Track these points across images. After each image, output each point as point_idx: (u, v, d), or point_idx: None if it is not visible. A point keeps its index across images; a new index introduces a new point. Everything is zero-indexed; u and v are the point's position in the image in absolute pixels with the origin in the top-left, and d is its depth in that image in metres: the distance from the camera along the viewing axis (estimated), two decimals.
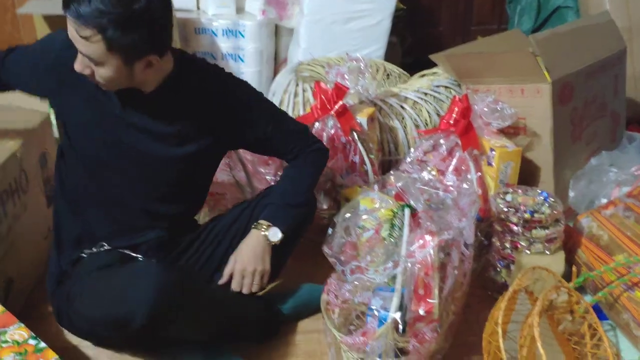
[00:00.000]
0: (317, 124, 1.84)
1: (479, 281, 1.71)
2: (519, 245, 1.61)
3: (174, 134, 1.39)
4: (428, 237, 1.27)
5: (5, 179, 1.52)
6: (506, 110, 1.83)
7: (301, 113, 2.04)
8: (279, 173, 1.90)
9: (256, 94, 1.50)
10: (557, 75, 1.81)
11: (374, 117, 1.95)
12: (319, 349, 1.52)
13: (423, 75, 2.31)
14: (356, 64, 1.90)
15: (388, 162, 2.06)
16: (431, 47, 2.26)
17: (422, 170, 1.82)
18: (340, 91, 1.81)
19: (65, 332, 1.50)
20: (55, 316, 1.46)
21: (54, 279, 1.46)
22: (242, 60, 2.61)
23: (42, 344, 1.25)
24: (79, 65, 1.23)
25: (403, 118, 2.09)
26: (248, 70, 2.62)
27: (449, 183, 1.78)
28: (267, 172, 1.91)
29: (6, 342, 1.24)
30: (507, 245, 1.63)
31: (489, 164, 1.80)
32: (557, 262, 1.59)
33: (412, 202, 1.35)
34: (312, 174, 1.57)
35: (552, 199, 1.64)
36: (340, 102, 1.81)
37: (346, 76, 1.87)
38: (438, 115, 2.10)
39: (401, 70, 2.45)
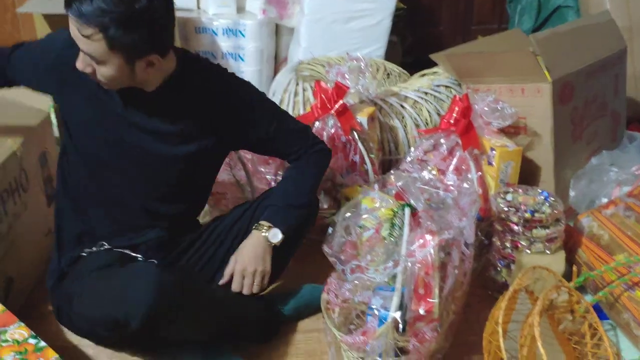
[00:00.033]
0: (317, 123, 1.84)
1: (479, 281, 1.71)
2: (519, 245, 1.61)
3: (176, 133, 1.39)
4: (428, 237, 1.27)
5: (5, 178, 1.52)
6: (506, 109, 1.83)
7: (301, 112, 2.04)
8: (279, 172, 1.90)
9: (259, 94, 1.50)
10: (557, 74, 1.81)
11: (374, 117, 1.95)
12: (319, 348, 1.52)
13: (423, 75, 2.31)
14: (356, 63, 1.90)
15: (388, 162, 2.06)
16: (431, 47, 2.26)
17: (422, 169, 1.82)
18: (340, 90, 1.81)
19: (66, 331, 1.50)
20: (55, 314, 1.47)
21: (54, 277, 1.46)
22: (243, 60, 2.61)
23: (42, 343, 1.25)
24: (81, 64, 1.24)
25: (403, 117, 2.09)
26: (248, 70, 2.62)
27: (449, 182, 1.78)
28: (267, 172, 1.91)
29: (6, 341, 1.24)
30: (508, 244, 1.63)
31: (490, 164, 1.80)
32: (557, 261, 1.59)
33: (412, 202, 1.34)
34: (314, 175, 1.57)
35: (553, 199, 1.64)
36: (341, 102, 1.81)
37: (346, 75, 1.87)
38: (438, 114, 2.10)
39: (401, 69, 2.45)
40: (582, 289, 1.64)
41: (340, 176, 1.87)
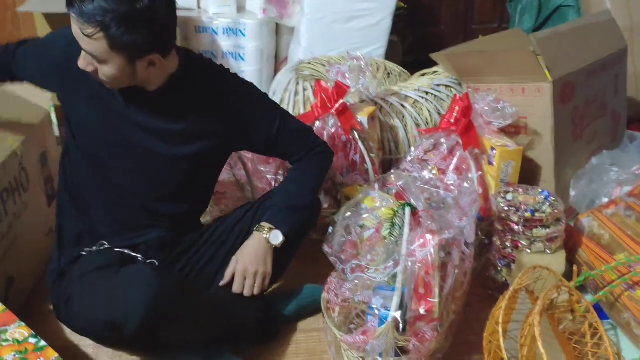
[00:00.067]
0: (317, 123, 1.84)
1: (479, 280, 1.71)
2: (519, 245, 1.61)
3: (178, 133, 1.39)
4: (429, 236, 1.27)
5: (5, 177, 1.52)
6: (507, 109, 1.82)
7: (302, 112, 2.04)
8: (279, 172, 1.90)
9: (261, 96, 1.50)
10: (558, 74, 1.81)
11: (374, 116, 1.95)
12: (319, 347, 1.52)
13: (424, 74, 2.31)
14: (357, 63, 1.90)
15: (389, 161, 2.06)
16: (432, 46, 2.26)
17: (422, 169, 1.82)
18: (340, 90, 1.81)
19: (66, 330, 1.50)
20: (55, 312, 1.47)
21: (54, 276, 1.46)
22: (243, 59, 2.61)
23: (43, 343, 1.25)
24: (83, 62, 1.24)
25: (404, 117, 2.09)
26: (249, 69, 2.62)
27: (449, 182, 1.78)
28: (267, 171, 1.91)
29: (7, 340, 1.24)
30: (508, 244, 1.63)
31: (490, 163, 1.80)
32: (558, 261, 1.59)
33: (412, 201, 1.34)
34: (316, 177, 1.57)
35: (553, 198, 1.64)
36: (341, 101, 1.81)
37: (347, 75, 1.87)
38: (439, 114, 2.10)
39: (402, 69, 2.45)
40: (582, 288, 1.64)
41: (340, 175, 1.87)
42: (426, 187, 1.45)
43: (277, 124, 1.47)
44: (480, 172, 1.79)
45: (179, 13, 1.29)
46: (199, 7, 2.66)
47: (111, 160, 1.41)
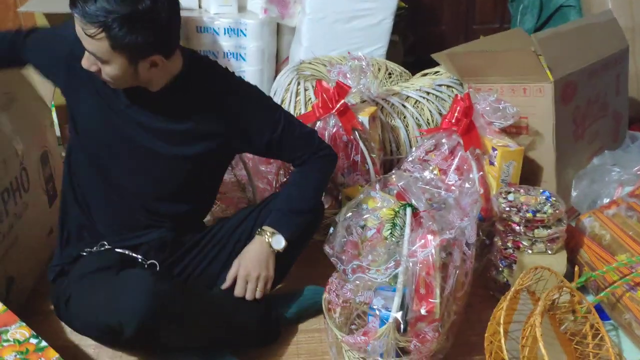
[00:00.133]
0: (318, 123, 1.84)
1: (480, 281, 1.71)
2: (520, 245, 1.60)
3: (180, 134, 1.39)
4: (430, 237, 1.27)
5: (6, 177, 1.52)
6: (508, 109, 1.82)
7: (303, 112, 2.04)
8: (280, 172, 1.90)
9: (265, 99, 1.50)
10: (559, 74, 1.81)
11: (375, 116, 1.95)
12: (320, 348, 1.52)
13: (425, 74, 2.31)
14: (358, 63, 1.89)
15: (390, 161, 2.06)
16: (433, 46, 2.26)
17: (423, 169, 1.81)
18: (341, 90, 1.81)
19: (67, 330, 1.50)
20: (55, 311, 1.47)
21: (55, 272, 1.47)
22: (244, 59, 2.61)
23: (44, 343, 1.25)
24: (86, 62, 1.25)
25: (405, 117, 2.08)
26: (250, 69, 2.62)
27: (450, 182, 1.78)
28: (268, 171, 1.91)
29: (7, 341, 1.24)
30: (509, 244, 1.62)
31: (491, 164, 1.80)
32: (559, 261, 1.59)
33: (413, 202, 1.34)
34: (319, 180, 1.56)
35: (554, 199, 1.64)
36: (342, 101, 1.81)
37: (348, 75, 1.87)
38: (440, 114, 2.10)
39: (403, 69, 2.44)
40: (583, 289, 1.64)
41: (341, 176, 1.87)
42: (427, 187, 1.45)
43: (279, 126, 1.47)
44: (482, 173, 1.79)
45: (180, 13, 1.29)
46: (200, 6, 2.66)
47: (112, 159, 1.41)
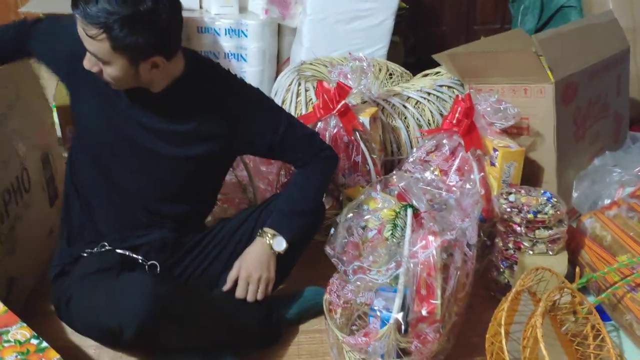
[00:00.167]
0: (319, 124, 1.84)
1: (481, 282, 1.71)
2: (521, 246, 1.60)
3: (181, 135, 1.39)
4: (431, 238, 1.27)
5: (7, 178, 1.52)
6: (509, 110, 1.82)
7: (303, 112, 2.04)
8: (281, 172, 1.90)
9: (267, 101, 1.50)
10: (560, 75, 1.81)
11: (376, 117, 1.95)
12: (321, 349, 1.52)
13: (426, 75, 2.31)
14: (359, 64, 1.89)
15: (391, 162, 2.06)
16: (434, 47, 2.26)
17: (424, 170, 1.81)
18: (342, 91, 1.81)
19: (67, 331, 1.50)
20: (56, 311, 1.47)
21: (56, 271, 1.47)
22: (245, 60, 2.61)
23: (44, 344, 1.25)
24: (88, 63, 1.26)
25: (406, 118, 2.08)
26: (250, 70, 2.62)
27: (451, 183, 1.78)
28: (268, 172, 1.91)
29: (8, 341, 1.24)
30: (510, 245, 1.62)
31: (492, 164, 1.80)
32: (560, 262, 1.59)
33: (414, 202, 1.34)
34: (320, 182, 1.56)
35: (555, 200, 1.64)
36: (343, 102, 1.81)
37: (349, 76, 1.87)
38: (441, 115, 2.10)
39: (404, 69, 2.44)
40: (584, 290, 1.64)
41: (342, 176, 1.87)
42: (428, 188, 1.44)
43: (281, 128, 1.47)
44: (483, 173, 1.79)
45: (182, 15, 1.29)
46: (201, 7, 2.66)
47: (114, 159, 1.41)
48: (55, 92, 2.15)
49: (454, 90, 2.16)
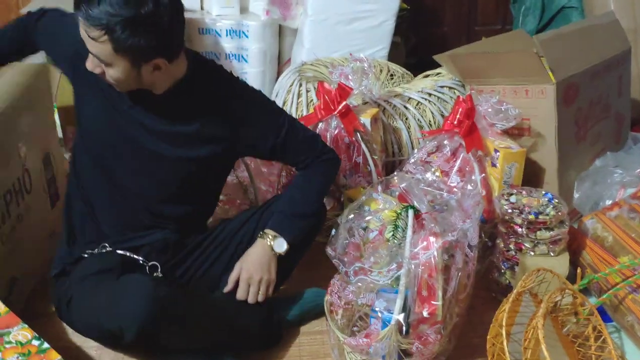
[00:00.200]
0: (320, 125, 1.84)
1: (483, 283, 1.71)
2: (523, 247, 1.60)
3: (183, 137, 1.39)
4: (432, 239, 1.27)
5: (8, 179, 1.53)
6: (510, 111, 1.82)
7: (304, 113, 2.04)
8: (282, 173, 1.90)
9: (269, 103, 1.50)
10: (561, 76, 1.81)
11: (377, 118, 1.95)
12: (322, 350, 1.52)
13: (427, 76, 2.31)
14: (360, 65, 1.89)
15: (392, 163, 2.06)
16: (435, 48, 2.26)
17: (425, 171, 1.81)
18: (343, 91, 1.81)
19: (69, 331, 1.50)
20: (56, 311, 1.47)
21: (58, 269, 1.47)
22: (246, 61, 2.61)
23: (46, 345, 1.25)
24: (90, 64, 1.26)
25: (407, 119, 2.08)
26: (252, 71, 2.62)
27: (452, 184, 1.77)
28: (270, 173, 1.91)
29: (10, 342, 1.24)
30: (511, 246, 1.62)
31: (493, 165, 1.80)
32: (561, 263, 1.59)
33: (415, 203, 1.34)
34: (322, 184, 1.56)
35: (557, 200, 1.63)
36: (344, 103, 1.81)
37: (350, 76, 1.87)
38: (442, 115, 2.09)
39: (405, 70, 2.44)
40: (586, 291, 1.64)
41: (343, 177, 1.87)
42: (429, 189, 1.44)
43: (283, 131, 1.47)
44: (484, 174, 1.79)
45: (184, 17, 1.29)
46: (201, 8, 2.66)
47: (116, 160, 1.41)
48: (57, 93, 2.15)
49: (455, 91, 2.16)
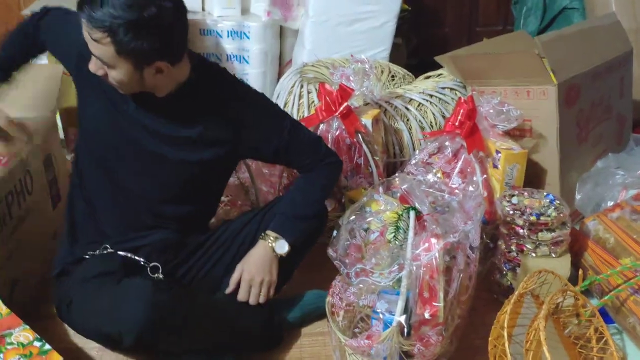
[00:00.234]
0: (321, 126, 1.84)
1: (484, 284, 1.70)
2: (524, 248, 1.60)
3: (186, 139, 1.39)
4: (433, 240, 1.26)
5: (10, 180, 1.53)
6: (512, 112, 1.82)
7: (306, 114, 2.04)
8: (283, 175, 1.89)
9: (270, 105, 1.50)
10: (563, 77, 1.81)
11: (378, 119, 1.95)
12: (323, 351, 1.52)
13: (428, 77, 2.31)
14: (361, 66, 1.89)
15: (393, 164, 2.06)
16: (436, 49, 2.26)
17: (427, 172, 1.81)
18: (345, 93, 1.81)
19: (70, 332, 1.50)
20: (57, 312, 1.47)
21: (59, 269, 1.47)
22: (247, 62, 2.61)
23: (47, 346, 1.25)
24: (93, 66, 1.26)
25: (408, 120, 2.08)
26: (253, 72, 2.62)
27: (454, 185, 1.77)
28: (271, 174, 1.91)
29: (11, 344, 1.24)
30: (513, 248, 1.62)
31: (495, 166, 1.80)
32: (563, 265, 1.59)
33: (417, 205, 1.34)
34: (324, 187, 1.56)
35: (558, 202, 1.63)
36: (345, 104, 1.81)
37: (351, 78, 1.87)
38: (443, 117, 2.09)
39: (406, 71, 2.44)
40: (587, 292, 1.64)
41: (344, 179, 1.87)
42: (431, 190, 1.44)
43: (286, 134, 1.47)
44: (485, 176, 1.79)
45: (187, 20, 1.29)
46: (203, 9, 2.66)
47: (118, 161, 1.42)
48: (58, 95, 2.15)
49: (457, 92, 2.16)
